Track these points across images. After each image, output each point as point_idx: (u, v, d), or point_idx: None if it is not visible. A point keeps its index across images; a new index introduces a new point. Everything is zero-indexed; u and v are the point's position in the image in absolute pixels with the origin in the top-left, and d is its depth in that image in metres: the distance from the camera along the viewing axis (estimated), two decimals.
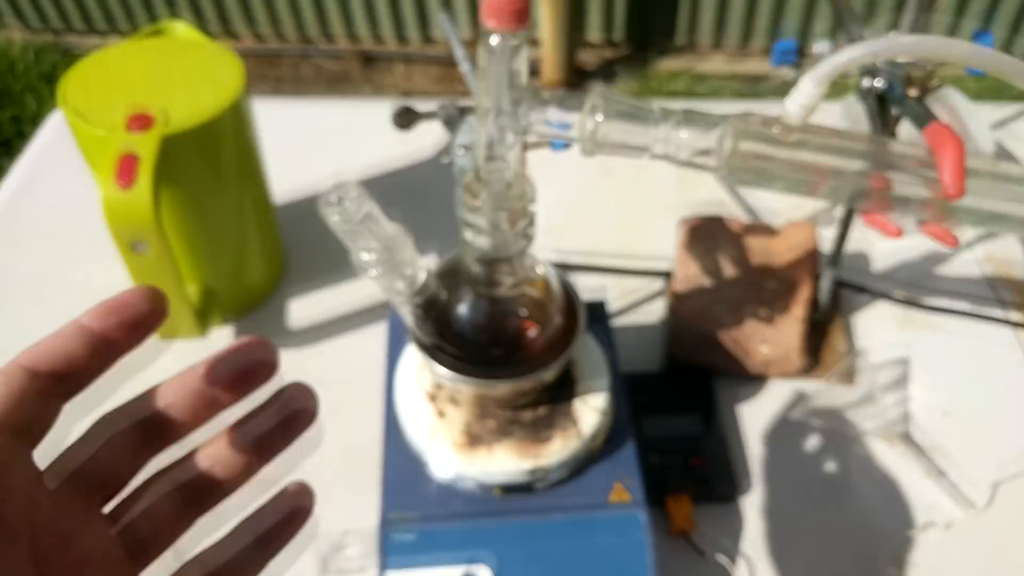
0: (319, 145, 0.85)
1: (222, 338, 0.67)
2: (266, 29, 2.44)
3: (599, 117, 0.38)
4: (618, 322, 0.69)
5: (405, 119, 0.50)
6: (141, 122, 0.55)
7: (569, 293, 0.50)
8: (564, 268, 0.72)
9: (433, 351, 0.47)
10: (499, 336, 0.47)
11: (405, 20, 2.39)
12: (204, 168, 0.59)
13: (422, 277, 0.44)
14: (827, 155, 0.38)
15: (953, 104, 0.63)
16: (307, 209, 0.77)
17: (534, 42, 2.36)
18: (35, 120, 1.99)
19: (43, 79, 2.30)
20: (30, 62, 2.35)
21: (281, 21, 2.42)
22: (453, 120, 0.50)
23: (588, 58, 2.39)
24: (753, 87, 2.25)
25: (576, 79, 2.29)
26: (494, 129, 0.38)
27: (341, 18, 2.38)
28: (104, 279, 0.68)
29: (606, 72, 2.33)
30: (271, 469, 0.57)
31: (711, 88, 2.20)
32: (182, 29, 0.64)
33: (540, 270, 0.48)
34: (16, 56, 2.37)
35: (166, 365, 0.66)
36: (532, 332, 0.48)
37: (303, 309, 0.70)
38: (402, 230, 0.42)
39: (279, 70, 2.44)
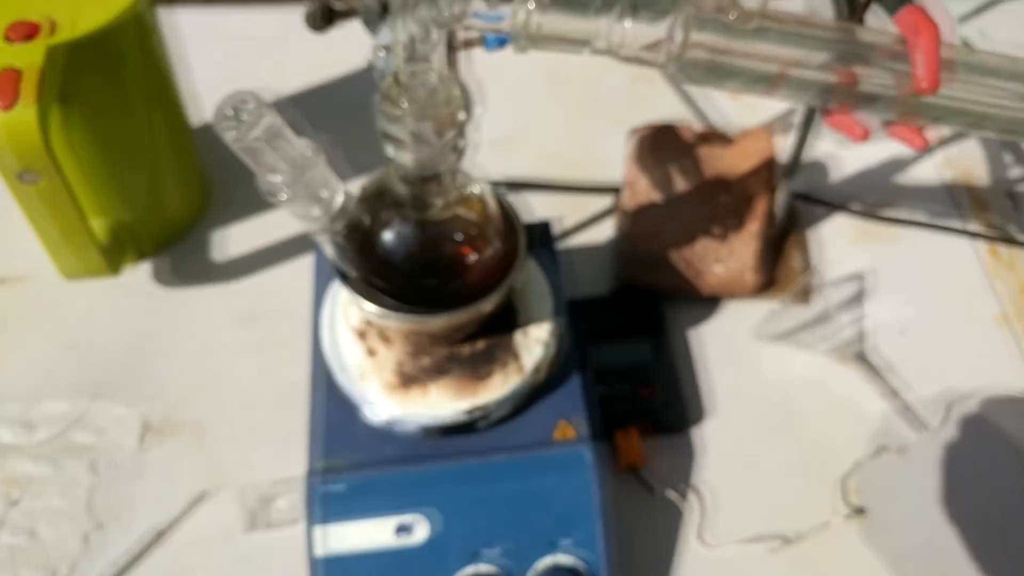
0: (243, 58, 0.77)
1: (140, 275, 0.62)
2: None
3: (532, 5, 0.33)
4: (566, 243, 0.65)
5: (320, 18, 0.44)
6: (23, 31, 0.48)
7: (509, 215, 0.46)
8: (508, 186, 0.67)
9: (358, 284, 0.42)
10: (431, 265, 0.43)
11: None
12: (104, 84, 0.52)
13: (340, 200, 0.39)
14: (789, 46, 0.34)
15: None
16: None
17: None
18: None
19: None
20: None
21: None
22: (373, 17, 0.44)
23: None
24: None
25: None
26: (414, 24, 0.33)
27: None
28: None
29: None
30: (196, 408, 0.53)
31: None
32: None
33: (476, 189, 0.44)
34: None
35: (77, 306, 0.61)
36: (468, 259, 0.43)
37: (228, 241, 0.64)
38: (313, 146, 0.36)
39: None
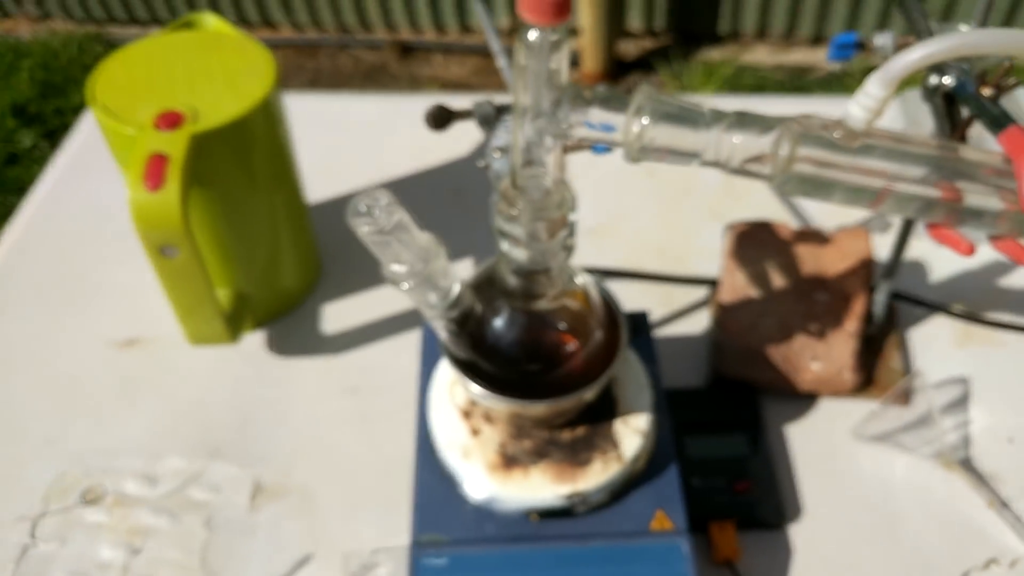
0: (354, 142, 0.83)
1: (254, 343, 0.66)
2: (304, 19, 2.44)
3: (645, 120, 0.35)
4: (660, 333, 0.66)
5: (439, 119, 0.48)
6: (170, 120, 0.54)
7: (610, 305, 0.48)
8: (604, 275, 0.69)
9: (467, 367, 0.45)
10: (536, 352, 0.45)
11: (443, 9, 2.36)
12: (235, 168, 0.58)
13: (456, 290, 0.42)
14: (893, 162, 0.35)
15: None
16: (342, 209, 0.76)
17: (573, 31, 2.32)
18: (78, 111, 2.01)
19: (86, 70, 2.32)
20: (73, 53, 2.38)
21: (319, 11, 2.42)
22: (489, 119, 0.48)
23: (629, 48, 2.34)
24: (799, 79, 2.19)
25: (617, 70, 2.25)
26: (532, 132, 0.36)
27: (379, 7, 2.37)
28: (133, 281, 0.68)
29: (647, 63, 2.28)
30: (303, 473, 0.56)
31: (755, 79, 2.14)
32: (212, 21, 0.63)
33: (579, 281, 0.46)
34: (59, 47, 2.40)
35: (199, 369, 0.65)
36: (571, 347, 0.46)
37: (338, 314, 0.68)
38: (435, 240, 0.40)
39: (317, 61, 2.44)
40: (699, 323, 0.66)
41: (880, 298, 0.61)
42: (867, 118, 0.33)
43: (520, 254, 0.40)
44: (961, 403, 0.59)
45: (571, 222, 0.40)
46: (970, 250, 0.37)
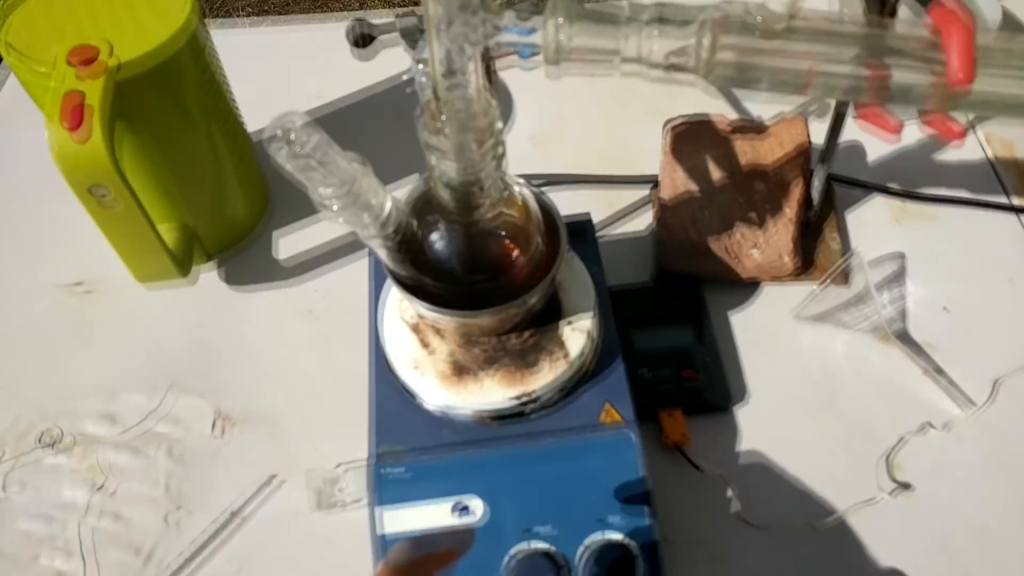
0: (294, 70, 0.80)
1: (207, 277, 0.64)
2: None
3: (560, 19, 0.34)
4: (606, 234, 0.65)
5: (359, 36, 0.46)
6: (83, 56, 0.50)
7: (549, 212, 0.47)
8: (548, 181, 0.68)
9: (410, 286, 0.44)
10: (478, 264, 0.44)
11: None
12: (162, 100, 0.55)
13: (389, 208, 0.41)
14: (818, 44, 0.34)
15: None
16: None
17: None
18: None
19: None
20: None
21: None
22: (412, 32, 0.46)
23: None
24: None
25: None
26: (448, 41, 0.34)
27: None
28: (78, 224, 0.65)
29: None
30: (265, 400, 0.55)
31: None
32: None
33: (516, 191, 0.45)
34: None
35: (152, 306, 0.64)
36: (513, 257, 0.45)
37: (289, 242, 0.67)
38: (359, 158, 0.38)
39: None
40: (644, 222, 0.66)
41: (817, 183, 0.60)
42: (787, 6, 0.31)
43: (449, 167, 0.39)
44: (898, 278, 0.60)
45: (498, 130, 0.39)
46: (897, 128, 0.37)
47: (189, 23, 0.53)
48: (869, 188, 0.65)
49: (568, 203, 0.67)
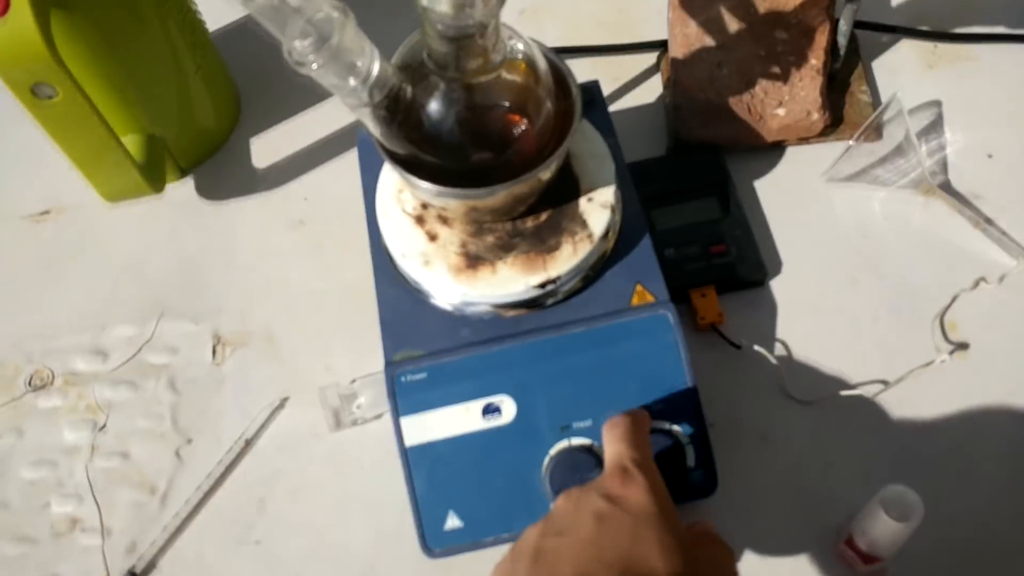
0: None
1: (183, 191, 0.58)
2: None
3: None
4: (613, 109, 0.59)
5: None
6: None
7: (559, 73, 0.41)
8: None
9: (408, 164, 0.38)
10: (483, 133, 0.38)
11: None
12: None
13: (377, 68, 0.34)
14: None
15: None
16: (251, 31, 0.65)
17: None
18: None
19: None
20: None
21: None
22: None
23: None
24: None
25: None
26: None
27: None
28: (35, 146, 0.58)
29: None
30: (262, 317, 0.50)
31: None
32: None
33: (521, 46, 0.39)
34: None
35: (127, 228, 0.58)
36: (521, 125, 0.39)
37: (267, 146, 0.60)
38: (340, 5, 0.32)
39: None
40: (652, 91, 0.59)
41: (844, 27, 0.54)
42: None
43: (443, 7, 0.32)
44: (936, 126, 0.55)
45: None
46: None
47: None
48: (897, 32, 0.59)
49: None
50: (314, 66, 0.31)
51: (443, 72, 0.36)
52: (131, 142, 0.53)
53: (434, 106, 0.37)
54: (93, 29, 0.48)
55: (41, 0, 0.42)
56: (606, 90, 0.60)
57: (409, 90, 0.36)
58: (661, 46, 0.60)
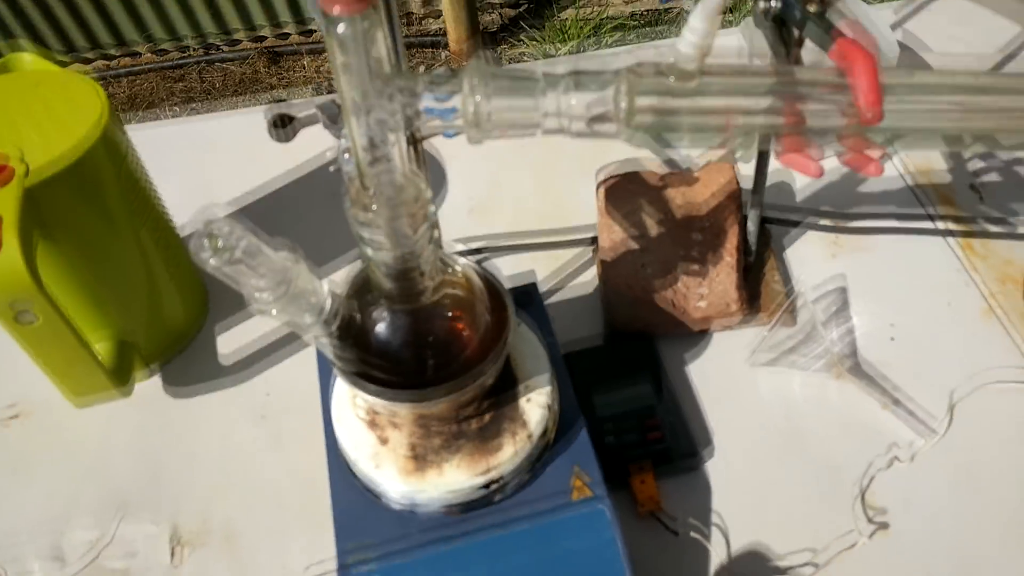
0: (224, 161, 0.77)
1: (149, 388, 0.61)
2: (161, 36, 2.29)
3: (479, 97, 0.32)
4: (553, 298, 0.64)
5: (283, 129, 0.44)
6: None
7: (492, 284, 0.45)
8: (488, 249, 0.67)
9: (359, 378, 0.42)
10: (426, 348, 0.42)
11: (305, 9, 2.26)
12: (84, 211, 0.52)
13: (329, 303, 0.38)
14: (732, 97, 0.34)
15: (853, 11, 0.59)
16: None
17: (437, 14, 2.26)
18: None
19: None
20: None
21: (177, 28, 2.28)
22: (336, 119, 0.44)
23: (492, 19, 2.30)
24: (657, 19, 2.20)
25: (482, 41, 2.21)
26: (370, 128, 0.33)
27: (237, 13, 2.25)
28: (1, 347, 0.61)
29: (511, 29, 2.25)
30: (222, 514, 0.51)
31: (613, 29, 2.14)
32: (30, 59, 0.56)
33: (458, 267, 0.43)
34: None
35: (93, 428, 0.59)
36: (462, 336, 0.43)
37: (233, 341, 0.63)
38: (293, 256, 0.36)
39: (186, 82, 2.31)
40: (591, 278, 0.64)
41: (752, 226, 0.60)
42: (696, 55, 0.31)
43: (386, 256, 0.37)
44: (842, 312, 0.60)
45: (431, 212, 0.37)
46: (819, 172, 0.36)
47: (100, 120, 0.50)
48: (801, 226, 0.65)
49: (511, 267, 0.66)
50: (273, 311, 0.35)
51: (388, 299, 0.40)
52: (103, 349, 0.56)
53: (382, 328, 0.41)
54: (70, 244, 0.52)
55: (29, 235, 0.46)
56: (548, 282, 0.65)
57: (358, 316, 0.40)
58: (595, 238, 0.66)
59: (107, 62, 2.33)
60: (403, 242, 0.36)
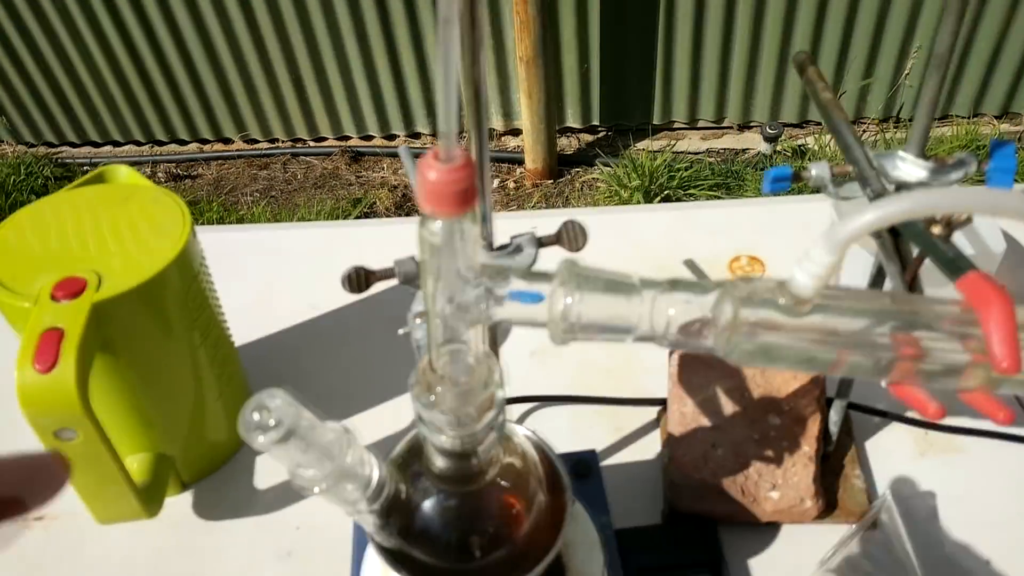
0: (285, 273, 0.77)
1: (179, 507, 0.58)
2: (255, 132, 2.41)
3: (569, 298, 0.30)
4: (610, 459, 0.60)
5: (358, 282, 0.43)
6: (70, 289, 0.47)
7: (552, 465, 0.42)
8: (548, 398, 0.63)
9: (398, 559, 0.38)
10: (473, 533, 0.38)
11: (390, 118, 2.36)
12: (146, 329, 0.51)
13: (376, 476, 0.35)
14: (846, 326, 0.30)
15: None
16: (275, 347, 0.69)
17: (516, 131, 2.33)
18: None
19: (34, 194, 2.25)
20: (20, 177, 2.31)
21: (269, 124, 2.40)
22: (412, 277, 0.43)
23: (569, 143, 2.35)
24: (731, 161, 2.21)
25: (558, 165, 2.25)
26: (448, 315, 0.30)
27: (327, 117, 2.36)
28: (21, 445, 0.59)
29: (586, 156, 2.29)
30: None
31: (690, 163, 2.15)
32: (125, 173, 0.57)
33: (515, 440, 0.40)
34: (7, 170, 2.32)
35: (113, 544, 0.56)
36: (512, 521, 0.39)
37: (271, 464, 0.61)
38: (344, 431, 0.33)
39: (269, 171, 2.40)
40: (653, 444, 0.60)
41: (835, 416, 0.55)
42: (815, 285, 0.28)
43: (444, 440, 0.34)
44: (930, 521, 0.54)
45: (499, 399, 0.34)
46: (939, 414, 0.32)
47: (180, 239, 0.50)
48: (888, 416, 0.60)
49: (570, 423, 0.62)
50: (317, 492, 0.32)
51: (440, 483, 0.37)
52: (138, 461, 0.54)
53: (428, 507, 0.37)
54: (128, 366, 0.51)
55: (88, 354, 0.45)
56: (606, 440, 0.61)
57: (404, 491, 0.37)
58: (662, 403, 0.62)
59: (201, 145, 2.45)
60: (465, 427, 0.33)
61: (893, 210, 0.27)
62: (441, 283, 0.28)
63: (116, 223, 0.52)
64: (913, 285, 0.38)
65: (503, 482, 0.39)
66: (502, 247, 0.42)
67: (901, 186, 0.40)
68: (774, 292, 0.29)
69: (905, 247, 0.38)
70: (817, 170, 0.41)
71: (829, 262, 0.27)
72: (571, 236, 0.44)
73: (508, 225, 0.79)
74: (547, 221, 0.55)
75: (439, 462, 0.36)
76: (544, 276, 0.30)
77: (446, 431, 0.33)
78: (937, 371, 0.31)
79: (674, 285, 0.30)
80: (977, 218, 0.61)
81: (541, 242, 0.43)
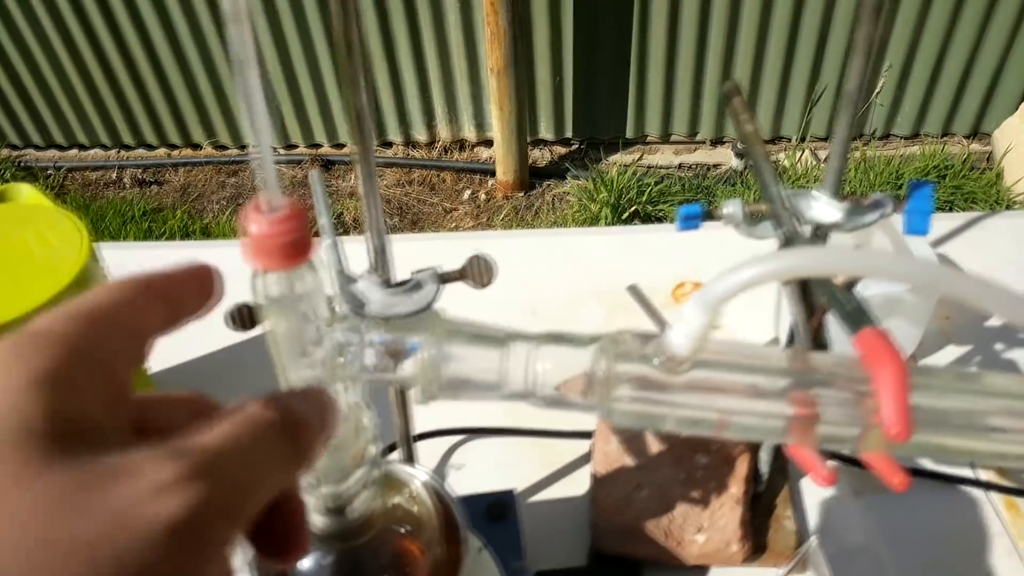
0: None
1: None
2: (225, 139, 2.38)
3: (434, 350, 0.28)
4: (536, 495, 0.58)
5: (242, 321, 0.40)
6: None
7: (450, 514, 0.39)
8: (473, 432, 0.61)
9: None
10: None
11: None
12: None
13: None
14: (735, 377, 0.28)
15: (892, 225, 0.55)
16: (188, 371, 0.66)
17: (489, 142, 2.31)
18: None
19: None
20: None
21: (240, 129, 2.36)
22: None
23: (542, 155, 2.34)
24: (703, 176, 2.20)
25: (530, 178, 2.23)
26: (306, 373, 0.28)
27: (298, 126, 2.33)
28: None
29: (558, 168, 2.27)
30: None
31: (660, 178, 2.14)
32: (27, 192, 0.54)
33: (411, 489, 0.38)
34: None
35: None
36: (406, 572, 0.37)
37: None
38: None
39: (238, 178, 2.37)
40: (585, 481, 0.58)
41: (764, 455, 0.54)
42: (690, 345, 0.26)
43: (313, 501, 0.32)
44: (861, 564, 0.52)
45: (373, 453, 0.32)
46: (831, 480, 0.30)
47: (78, 261, 0.47)
48: (824, 455, 0.58)
49: (500, 456, 0.60)
50: None
51: (320, 540, 0.34)
52: None
53: (309, 566, 0.35)
54: None
55: None
56: (538, 474, 0.59)
57: None
58: (591, 435, 0.60)
59: (169, 150, 2.41)
60: (336, 483, 0.31)
61: (770, 268, 0.25)
62: (285, 338, 0.26)
63: (8, 248, 0.49)
64: (819, 333, 0.36)
65: (394, 534, 0.36)
66: (400, 284, 0.40)
67: (817, 227, 0.38)
68: (649, 351, 0.27)
69: (812, 294, 0.36)
70: (730, 208, 0.39)
71: (703, 322, 0.25)
72: (477, 272, 0.41)
73: (439, 247, 0.76)
74: (486, 243, 0.53)
75: (317, 520, 0.34)
76: (405, 326, 0.28)
77: (314, 485, 0.31)
78: (834, 433, 0.29)
79: (548, 339, 0.28)
80: (908, 246, 0.60)
81: (443, 278, 0.41)
